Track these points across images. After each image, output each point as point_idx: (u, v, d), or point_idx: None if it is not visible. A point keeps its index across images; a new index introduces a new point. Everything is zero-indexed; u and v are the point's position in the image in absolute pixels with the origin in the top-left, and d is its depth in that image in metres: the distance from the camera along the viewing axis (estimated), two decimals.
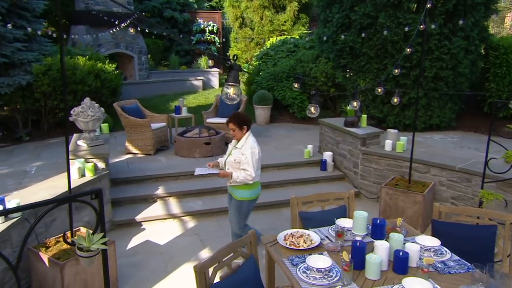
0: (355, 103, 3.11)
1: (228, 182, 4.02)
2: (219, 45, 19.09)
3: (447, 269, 2.58)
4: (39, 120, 8.70)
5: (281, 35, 13.90)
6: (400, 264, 2.53)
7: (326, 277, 2.50)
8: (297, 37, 12.72)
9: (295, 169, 6.58)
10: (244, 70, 12.77)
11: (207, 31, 18.72)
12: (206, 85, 14.42)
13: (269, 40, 13.56)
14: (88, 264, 1.64)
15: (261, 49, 13.14)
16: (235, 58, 2.47)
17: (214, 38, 18.89)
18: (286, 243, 2.92)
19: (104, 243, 1.68)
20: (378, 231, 2.84)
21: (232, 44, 16.41)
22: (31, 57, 8.21)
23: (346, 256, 2.47)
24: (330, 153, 6.66)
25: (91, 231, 3.77)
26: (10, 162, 6.77)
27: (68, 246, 3.66)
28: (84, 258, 1.61)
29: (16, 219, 3.61)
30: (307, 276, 2.53)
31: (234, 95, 2.25)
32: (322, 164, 6.55)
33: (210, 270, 2.55)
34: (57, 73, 8.15)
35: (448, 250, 2.79)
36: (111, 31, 9.22)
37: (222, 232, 4.90)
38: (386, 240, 2.71)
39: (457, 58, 8.17)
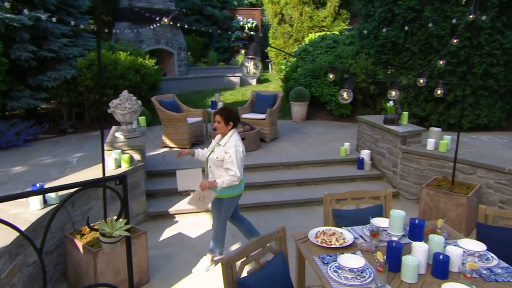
0: (393, 93, 2.92)
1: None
2: (257, 42, 19.06)
3: (494, 276, 2.38)
4: (82, 113, 9.02)
5: (320, 31, 13.64)
6: (439, 268, 2.35)
7: (358, 277, 2.37)
8: (337, 33, 12.44)
9: (330, 167, 6.40)
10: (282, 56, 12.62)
11: (246, 28, 18.76)
12: (244, 82, 14.41)
13: (308, 36, 13.35)
14: (110, 250, 1.62)
15: (300, 46, 12.97)
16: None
17: (253, 35, 18.90)
18: (317, 241, 2.81)
19: (128, 230, 1.65)
20: (416, 231, 2.67)
21: (271, 40, 16.31)
22: (76, 52, 8.53)
23: (380, 256, 2.33)
24: (368, 151, 6.43)
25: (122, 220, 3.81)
26: (55, 153, 7.06)
27: None
28: (106, 244, 1.59)
29: (54, 205, 3.72)
30: (338, 275, 2.41)
31: (254, 70, 2.06)
32: (359, 163, 6.33)
33: (238, 264, 2.50)
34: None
35: (495, 256, 2.57)
36: (152, 27, 9.38)
37: (257, 227, 4.83)
38: (425, 242, 2.54)
39: (510, 53, 7.65)
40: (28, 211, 3.56)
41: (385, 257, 2.42)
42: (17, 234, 3.20)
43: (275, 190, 5.76)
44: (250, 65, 2.04)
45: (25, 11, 7.37)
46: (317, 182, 5.98)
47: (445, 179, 5.11)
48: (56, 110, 9.09)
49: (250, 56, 2.02)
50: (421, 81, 3.60)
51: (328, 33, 12.57)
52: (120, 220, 1.65)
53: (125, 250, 3.57)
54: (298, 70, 10.76)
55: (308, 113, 9.85)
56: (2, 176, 5.82)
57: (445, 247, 2.52)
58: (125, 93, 5.30)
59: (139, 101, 5.40)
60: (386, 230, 2.84)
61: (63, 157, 6.75)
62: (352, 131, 7.95)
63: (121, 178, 1.61)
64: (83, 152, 7.04)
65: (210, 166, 3.79)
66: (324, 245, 2.76)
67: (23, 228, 3.25)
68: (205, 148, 4.02)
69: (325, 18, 14.52)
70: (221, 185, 3.64)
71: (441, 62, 3.96)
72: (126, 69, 8.81)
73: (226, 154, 3.66)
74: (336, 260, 2.53)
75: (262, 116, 7.47)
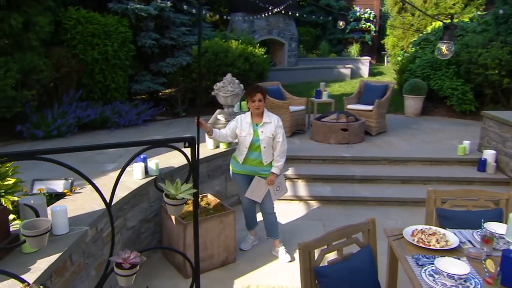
0: None
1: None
2: (374, 33, 18.10)
3: None
4: (195, 98, 9.58)
5: (446, 19, 12.30)
6: None
7: (460, 286, 1.99)
8: (467, 20, 11.06)
9: (443, 166, 5.69)
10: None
11: (363, 18, 17.92)
12: (355, 74, 13.80)
13: (431, 25, 12.15)
14: (174, 212, 1.58)
15: (420, 35, 11.88)
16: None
17: (369, 26, 17.99)
18: (414, 240, 2.45)
19: (195, 194, 1.60)
20: None
21: (388, 31, 15.30)
22: (193, 40, 9.06)
23: (490, 265, 1.91)
24: (493, 151, 5.54)
25: (216, 199, 3.84)
26: (166, 133, 7.62)
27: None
28: (170, 205, 1.55)
29: (154, 177, 3.95)
30: (434, 280, 2.06)
31: (447, 51, 1.98)
32: (480, 164, 5.50)
33: (317, 252, 2.30)
34: (212, 55, 8.80)
35: None
36: (263, 15, 9.48)
37: (347, 221, 4.54)
38: None
39: None
40: (132, 179, 3.83)
41: (499, 268, 1.99)
42: (118, 198, 3.48)
43: (375, 186, 5.33)
44: (443, 47, 2.03)
45: None
46: (426, 181, 5.36)
47: None
48: (173, 96, 9.82)
49: (445, 41, 2.03)
50: None
51: (456, 20, 11.26)
52: (186, 184, 1.61)
53: (214, 226, 3.65)
54: (416, 60, 9.85)
55: (423, 108, 8.98)
56: (121, 150, 6.47)
57: None
58: (228, 76, 5.40)
59: (241, 85, 5.45)
60: (503, 238, 2.35)
61: (172, 137, 7.23)
62: (474, 129, 6.99)
63: (189, 141, 1.55)
64: (190, 133, 7.45)
65: (264, 147, 3.69)
66: (421, 245, 2.40)
67: (124, 194, 3.51)
68: (222, 130, 3.89)
69: (454, 4, 13.07)
70: (280, 169, 3.75)
71: None
72: (236, 57, 9.06)
73: (278, 128, 3.67)
74: (433, 263, 2.16)
75: (369, 107, 7.00)
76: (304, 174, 5.54)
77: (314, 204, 5.10)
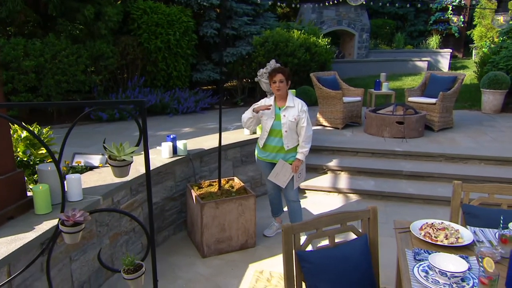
0: None
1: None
2: (462, 25, 16.56)
3: None
4: (254, 89, 9.61)
5: None
6: None
7: (454, 285, 1.71)
8: None
9: (511, 167, 4.98)
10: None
11: (450, 8, 16.48)
12: (432, 67, 12.74)
13: None
14: (119, 174, 1.54)
15: (511, 23, 10.55)
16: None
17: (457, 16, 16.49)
18: (421, 233, 2.17)
19: (146, 159, 1.55)
20: None
21: (476, 20, 13.87)
22: (254, 30, 9.08)
23: (488, 264, 1.60)
24: None
25: (241, 183, 3.78)
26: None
27: (215, 190, 3.84)
28: (113, 167, 1.53)
29: (181, 157, 4.02)
30: (425, 276, 1.79)
31: None
32: None
33: (305, 235, 2.14)
34: (272, 44, 8.72)
35: None
36: (332, 2, 9.15)
37: (386, 218, 4.20)
38: None
39: None
40: (159, 158, 3.93)
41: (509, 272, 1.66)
42: (140, 173, 3.59)
43: (425, 183, 4.85)
44: None
45: None
46: (486, 181, 4.71)
47: None
48: (234, 85, 9.95)
49: None
50: None
51: None
52: (131, 146, 1.57)
53: (233, 209, 3.60)
54: (502, 51, 8.77)
55: (505, 105, 8.00)
56: (173, 133, 6.72)
57: None
58: (272, 62, 5.27)
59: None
60: None
61: (225, 124, 7.31)
62: None
63: (139, 104, 1.51)
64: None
65: (286, 131, 3.56)
66: (428, 239, 2.12)
67: None
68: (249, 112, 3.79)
69: None
70: (305, 155, 3.61)
71: None
72: (297, 47, 8.87)
73: (301, 113, 3.54)
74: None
75: (433, 100, 6.40)
76: (347, 166, 5.23)
77: (354, 197, 4.80)
